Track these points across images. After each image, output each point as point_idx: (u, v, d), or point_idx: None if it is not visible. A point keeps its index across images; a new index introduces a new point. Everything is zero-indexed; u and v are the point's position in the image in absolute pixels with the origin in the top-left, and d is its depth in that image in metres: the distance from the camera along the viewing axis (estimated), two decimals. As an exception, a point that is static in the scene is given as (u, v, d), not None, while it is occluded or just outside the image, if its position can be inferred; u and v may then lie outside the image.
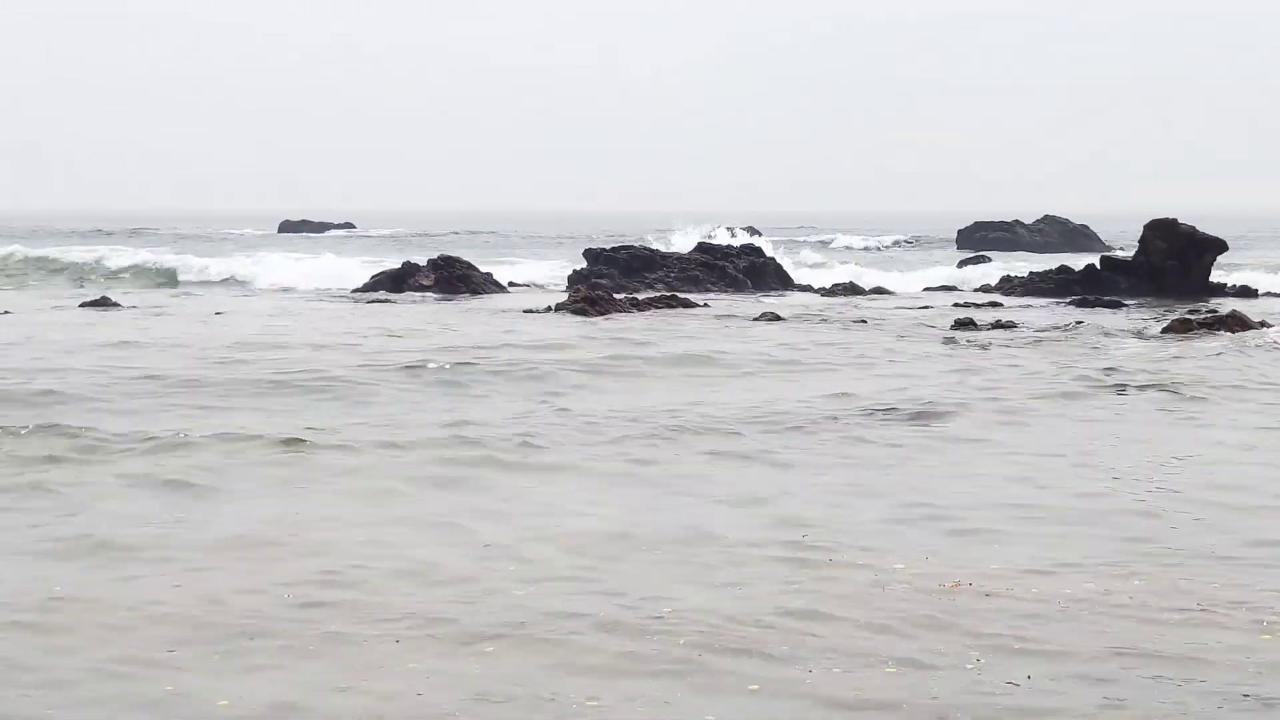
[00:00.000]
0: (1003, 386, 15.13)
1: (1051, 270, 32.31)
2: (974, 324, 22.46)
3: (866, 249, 64.60)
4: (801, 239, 74.31)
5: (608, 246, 38.82)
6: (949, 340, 20.58)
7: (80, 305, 25.81)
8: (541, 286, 35.19)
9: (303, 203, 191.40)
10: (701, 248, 38.18)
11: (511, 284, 35.09)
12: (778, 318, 23.75)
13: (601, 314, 24.85)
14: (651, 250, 37.66)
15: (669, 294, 28.54)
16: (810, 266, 41.46)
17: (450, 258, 34.41)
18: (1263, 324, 21.66)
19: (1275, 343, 19.81)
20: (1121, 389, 14.90)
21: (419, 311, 26.29)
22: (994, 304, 27.51)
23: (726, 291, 32.31)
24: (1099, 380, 15.55)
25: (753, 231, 78.29)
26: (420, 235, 74.47)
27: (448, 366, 16.04)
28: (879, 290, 33.04)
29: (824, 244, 65.75)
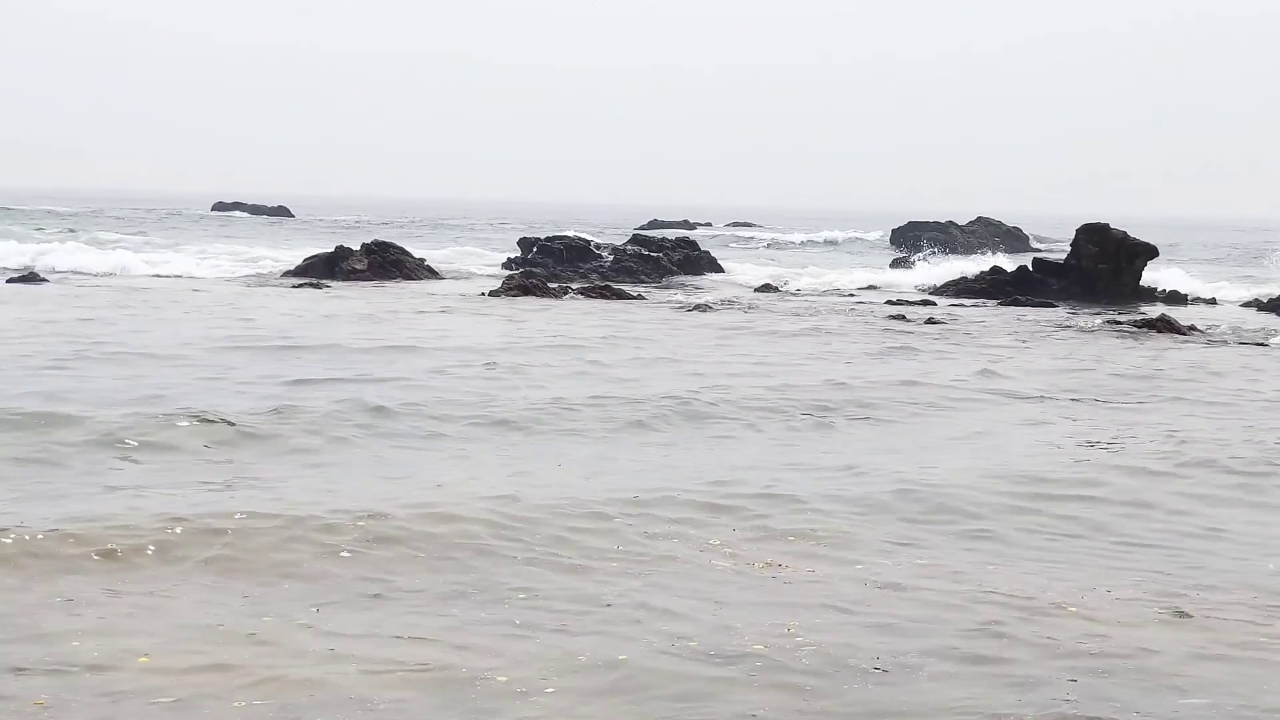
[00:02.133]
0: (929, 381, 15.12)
1: (984, 271, 32.42)
2: (905, 319, 22.50)
3: (803, 244, 64.80)
4: (741, 234, 74.59)
5: (542, 236, 38.64)
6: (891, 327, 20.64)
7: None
8: (476, 275, 34.83)
9: (241, 188, 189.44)
10: (636, 239, 38.16)
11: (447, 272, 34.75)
12: (707, 308, 23.66)
13: (538, 298, 24.80)
14: (586, 240, 37.57)
15: (602, 284, 28.38)
16: (748, 262, 41.42)
17: (384, 243, 34.09)
18: (1191, 329, 21.84)
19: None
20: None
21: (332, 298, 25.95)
22: (926, 302, 27.55)
23: (658, 282, 32.23)
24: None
25: (688, 225, 78.32)
26: (362, 223, 73.72)
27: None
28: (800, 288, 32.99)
29: (769, 241, 66.11)
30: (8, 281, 25.82)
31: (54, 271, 29.67)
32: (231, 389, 12.51)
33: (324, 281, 29.30)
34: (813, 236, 69.86)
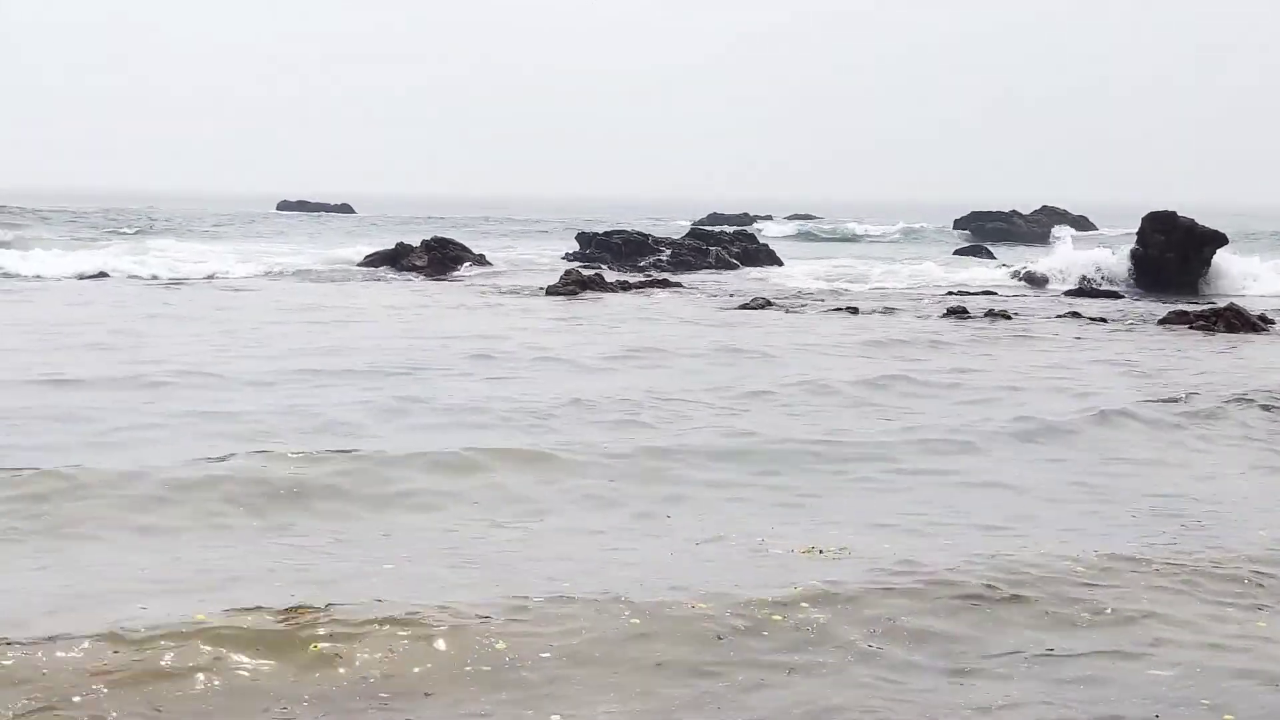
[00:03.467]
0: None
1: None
2: (965, 312, 22.24)
3: (867, 236, 64.00)
4: (804, 227, 74.06)
5: (599, 231, 38.59)
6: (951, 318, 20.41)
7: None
8: (537, 269, 34.74)
9: (303, 186, 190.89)
10: (695, 233, 38.07)
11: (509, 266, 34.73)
12: (768, 304, 23.48)
13: (594, 294, 24.77)
14: (644, 235, 37.50)
15: (659, 277, 28.29)
16: (806, 258, 41.13)
17: (444, 239, 34.27)
18: (1262, 318, 21.30)
19: None
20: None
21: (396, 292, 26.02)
22: (987, 293, 27.26)
23: (715, 274, 32.04)
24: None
25: (748, 218, 77.99)
26: (422, 219, 73.98)
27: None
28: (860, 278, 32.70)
29: (834, 231, 65.65)
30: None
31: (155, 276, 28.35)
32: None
33: (408, 276, 29.37)
34: (883, 229, 67.63)
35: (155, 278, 27.88)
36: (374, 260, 32.56)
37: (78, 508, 7.76)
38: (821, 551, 7.24)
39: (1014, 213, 61.45)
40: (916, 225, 69.53)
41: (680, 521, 8.07)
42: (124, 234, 48.29)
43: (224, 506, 7.96)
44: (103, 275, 27.79)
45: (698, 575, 6.74)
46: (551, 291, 25.15)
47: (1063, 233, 36.91)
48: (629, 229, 40.69)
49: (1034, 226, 59.59)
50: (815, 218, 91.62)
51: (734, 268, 33.73)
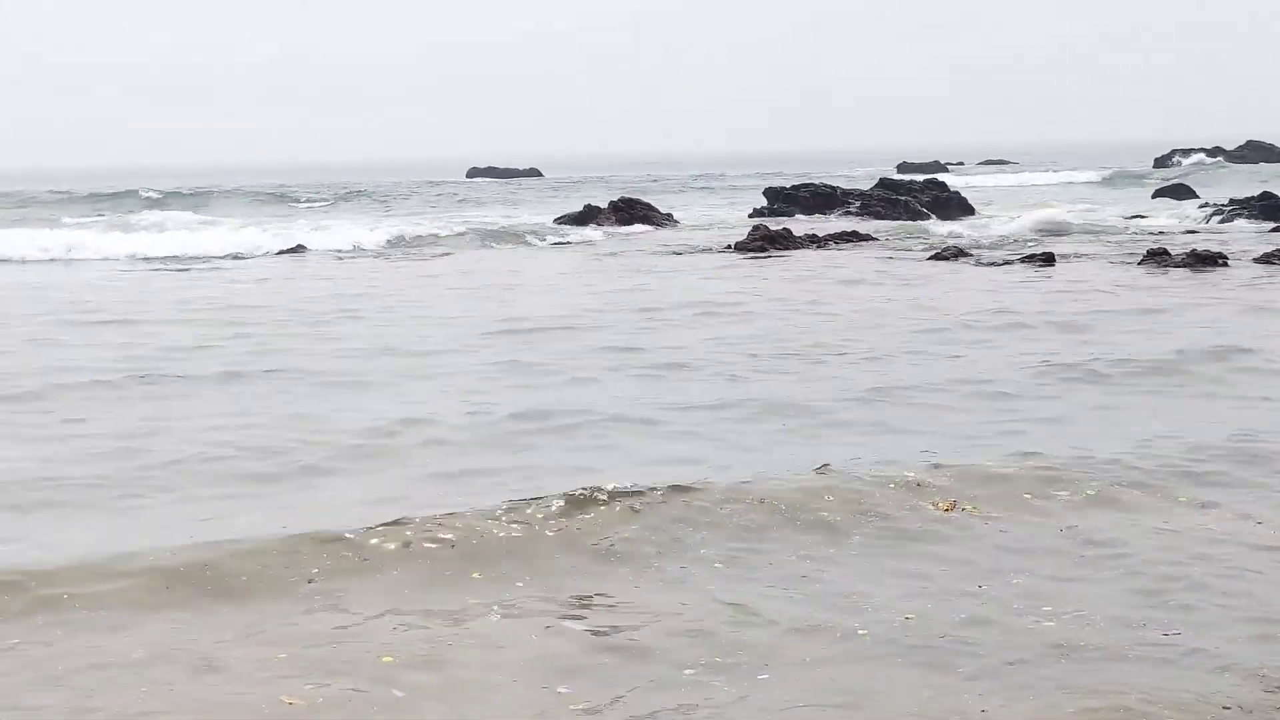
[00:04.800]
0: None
1: (1253, 197, 30.84)
2: (1167, 254, 21.55)
3: (1065, 181, 62.01)
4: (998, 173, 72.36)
5: (788, 185, 38.41)
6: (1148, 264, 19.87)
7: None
8: (725, 226, 34.79)
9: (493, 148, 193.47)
10: (883, 183, 37.63)
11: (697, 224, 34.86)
12: (961, 253, 23.10)
13: (781, 250, 24.76)
14: (832, 187, 37.24)
15: (848, 229, 28.08)
16: (1001, 205, 40.28)
17: (630, 199, 34.55)
18: None
19: None
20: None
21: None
22: (1189, 232, 26.40)
23: (906, 224, 31.55)
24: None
25: (939, 166, 76.56)
26: (606, 179, 74.50)
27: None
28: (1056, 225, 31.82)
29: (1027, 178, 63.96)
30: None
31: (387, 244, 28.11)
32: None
33: (589, 236, 29.76)
34: (1083, 174, 64.60)
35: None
36: (563, 221, 33.02)
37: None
38: None
39: (1217, 149, 59.18)
40: (1111, 169, 67.34)
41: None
42: (314, 206, 49.30)
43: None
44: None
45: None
46: (740, 248, 25.20)
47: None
48: (816, 182, 40.43)
49: (1238, 163, 57.32)
50: (1010, 163, 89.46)
51: (925, 217, 33.27)
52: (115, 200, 50.54)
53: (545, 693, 4.80)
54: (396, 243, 28.29)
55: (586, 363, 11.90)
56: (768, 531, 6.70)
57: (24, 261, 25.59)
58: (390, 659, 5.07)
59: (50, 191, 56.38)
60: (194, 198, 51.30)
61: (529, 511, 6.71)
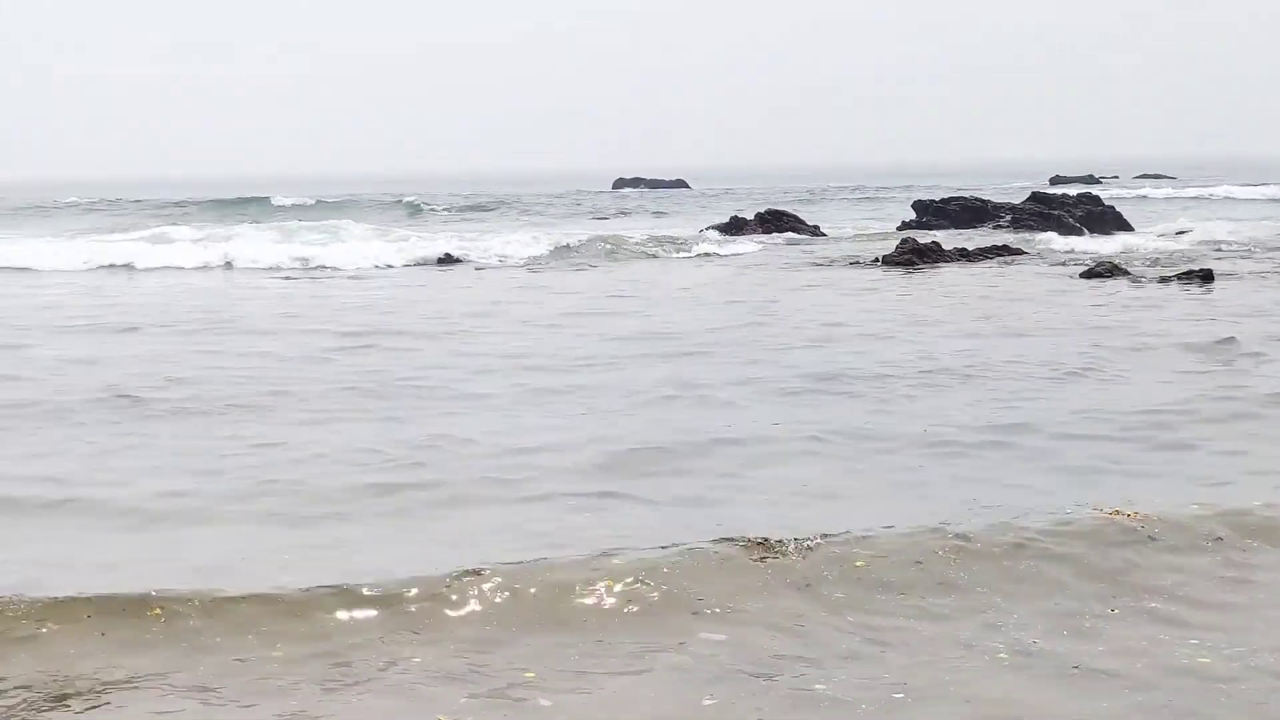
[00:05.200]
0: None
1: None
2: (1334, 273, 20.84)
3: (1229, 198, 59.02)
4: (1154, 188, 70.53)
5: (936, 198, 38.02)
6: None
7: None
8: (873, 238, 34.52)
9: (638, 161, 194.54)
10: (1035, 197, 37.04)
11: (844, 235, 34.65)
12: (1116, 270, 22.61)
13: (930, 264, 24.49)
14: (982, 200, 36.77)
15: (999, 243, 27.66)
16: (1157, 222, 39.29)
17: (777, 211, 34.58)
18: None
19: None
20: None
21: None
22: (1359, 252, 25.50)
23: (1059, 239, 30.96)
24: None
25: (1092, 180, 75.03)
26: (750, 190, 74.45)
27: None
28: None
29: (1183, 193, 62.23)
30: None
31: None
32: None
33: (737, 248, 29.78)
34: (1249, 191, 59.43)
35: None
36: (710, 232, 33.09)
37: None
38: None
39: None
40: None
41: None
42: (456, 216, 49.77)
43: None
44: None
45: None
46: (888, 261, 24.99)
47: None
48: (966, 194, 39.95)
49: None
50: (1168, 178, 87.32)
51: (1078, 232, 32.64)
52: (245, 208, 51.49)
53: None
54: (561, 253, 28.26)
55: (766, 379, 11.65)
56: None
57: (208, 268, 25.99)
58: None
59: (175, 203, 56.87)
60: (319, 208, 51.83)
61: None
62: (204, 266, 26.44)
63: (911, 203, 38.45)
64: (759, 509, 7.35)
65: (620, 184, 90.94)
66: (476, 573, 5.85)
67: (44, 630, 5.33)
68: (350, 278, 24.04)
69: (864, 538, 6.47)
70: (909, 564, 6.20)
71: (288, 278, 23.99)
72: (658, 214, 50.74)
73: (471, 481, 7.94)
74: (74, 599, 5.55)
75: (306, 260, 26.79)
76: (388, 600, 5.65)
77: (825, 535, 6.45)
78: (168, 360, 12.88)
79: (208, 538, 6.89)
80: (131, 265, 26.44)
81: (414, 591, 5.72)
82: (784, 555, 6.19)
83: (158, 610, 5.49)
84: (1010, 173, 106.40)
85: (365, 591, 5.70)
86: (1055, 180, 75.73)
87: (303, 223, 36.49)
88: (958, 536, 6.50)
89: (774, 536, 6.38)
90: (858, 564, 6.17)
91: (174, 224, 39.23)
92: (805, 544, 6.30)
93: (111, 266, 26.24)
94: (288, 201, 55.39)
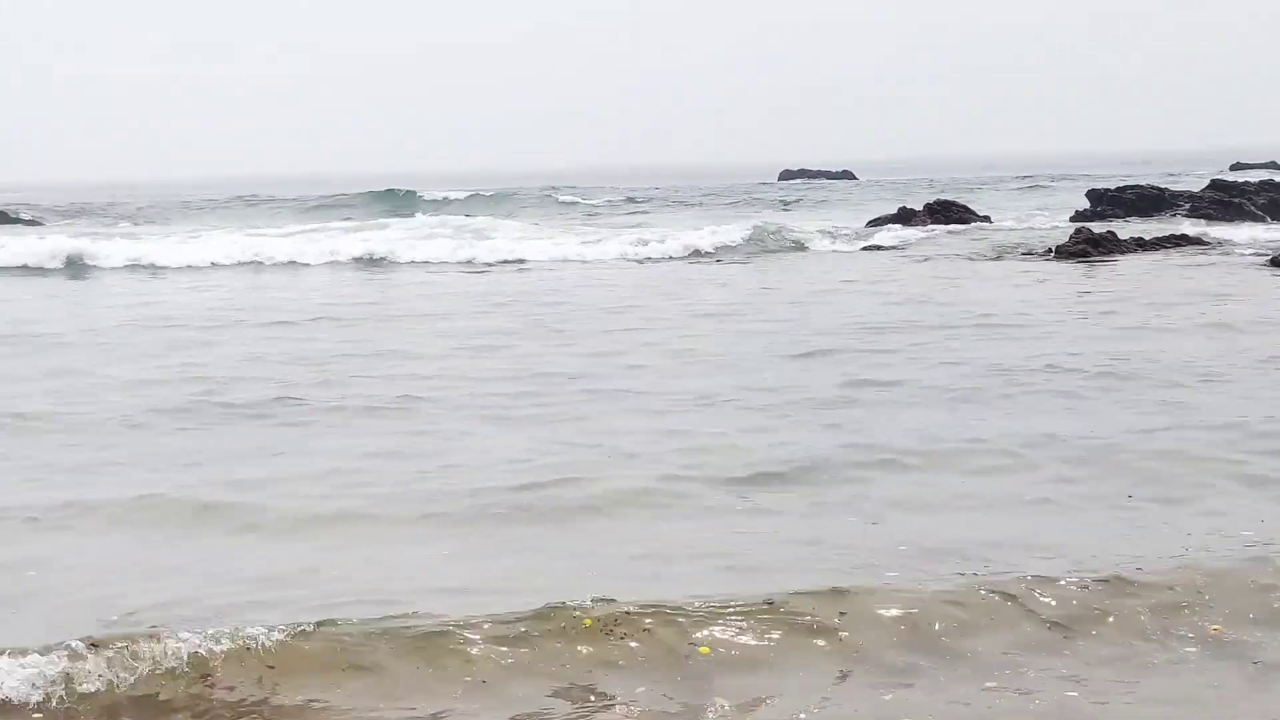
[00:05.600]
0: None
1: None
2: None
3: None
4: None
5: (1112, 187, 37.13)
6: None
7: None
8: (1041, 229, 33.81)
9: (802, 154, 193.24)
10: (1215, 185, 35.96)
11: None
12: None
13: (1105, 254, 23.98)
14: (1159, 189, 35.85)
15: (1177, 233, 26.93)
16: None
17: (946, 201, 34.23)
18: None
19: None
20: None
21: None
22: None
23: (1242, 228, 30.01)
24: None
25: (1275, 166, 72.57)
26: (915, 181, 73.51)
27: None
28: None
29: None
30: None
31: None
32: None
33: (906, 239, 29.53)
34: None
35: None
36: (877, 223, 32.84)
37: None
38: None
39: None
40: None
41: None
42: (609, 206, 49.92)
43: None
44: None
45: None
46: (1060, 251, 24.53)
47: None
48: (1143, 183, 38.94)
49: None
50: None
51: (1260, 219, 31.61)
52: (397, 202, 52.06)
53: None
54: (752, 243, 28.20)
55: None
56: None
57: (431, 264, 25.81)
58: None
59: (322, 196, 57.22)
60: (476, 201, 52.32)
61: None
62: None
63: (1086, 191, 37.63)
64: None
65: (786, 175, 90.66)
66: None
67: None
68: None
69: None
70: None
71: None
72: (825, 204, 50.50)
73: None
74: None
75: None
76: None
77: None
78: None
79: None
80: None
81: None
82: None
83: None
84: (1190, 161, 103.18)
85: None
86: (1237, 167, 73.42)
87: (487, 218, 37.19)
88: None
89: None
90: None
91: (347, 219, 40.16)
92: None
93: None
94: (439, 195, 55.86)
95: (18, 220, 46.22)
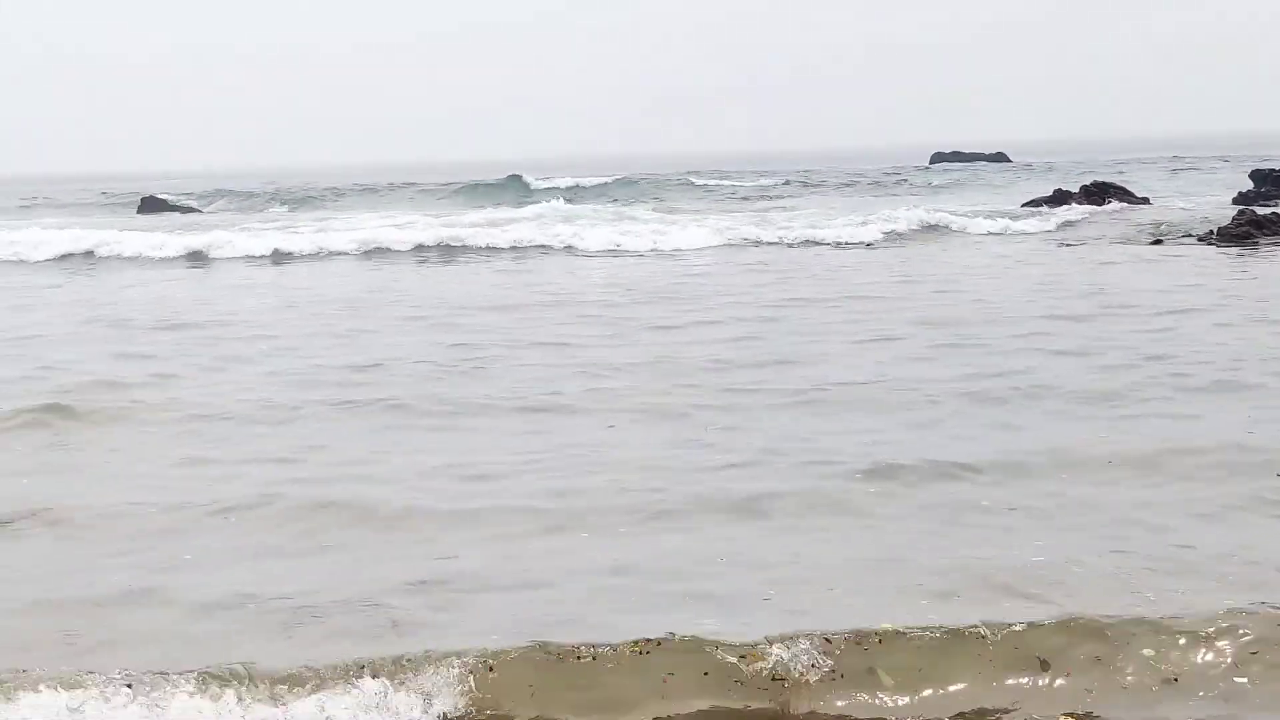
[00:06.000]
0: None
1: None
2: None
3: None
4: None
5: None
6: None
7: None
8: (1200, 211, 33.29)
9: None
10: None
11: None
12: None
13: (1271, 236, 23.67)
14: (1330, 169, 35.07)
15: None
16: None
17: (1103, 183, 33.97)
18: None
19: None
20: None
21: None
22: None
23: None
24: None
25: None
26: (1066, 163, 72.22)
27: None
28: None
29: None
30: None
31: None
32: None
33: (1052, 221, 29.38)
34: None
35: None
36: (1035, 204, 32.69)
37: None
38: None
39: None
40: None
41: None
42: (766, 193, 49.54)
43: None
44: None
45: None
46: (1223, 234, 24.24)
47: None
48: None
49: None
50: None
51: None
52: (499, 190, 51.59)
53: None
54: (914, 233, 27.78)
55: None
56: None
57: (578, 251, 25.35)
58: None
59: (438, 183, 56.17)
60: (611, 187, 51.54)
61: None
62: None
63: (1249, 172, 36.95)
64: None
65: (938, 158, 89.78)
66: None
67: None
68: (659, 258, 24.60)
69: None
70: None
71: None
72: (976, 187, 49.98)
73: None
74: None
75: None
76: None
77: None
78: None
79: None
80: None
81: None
82: None
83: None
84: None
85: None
86: None
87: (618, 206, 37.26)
88: None
89: None
90: None
91: (498, 204, 40.43)
92: None
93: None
94: (544, 184, 54.94)
95: (175, 209, 47.36)
